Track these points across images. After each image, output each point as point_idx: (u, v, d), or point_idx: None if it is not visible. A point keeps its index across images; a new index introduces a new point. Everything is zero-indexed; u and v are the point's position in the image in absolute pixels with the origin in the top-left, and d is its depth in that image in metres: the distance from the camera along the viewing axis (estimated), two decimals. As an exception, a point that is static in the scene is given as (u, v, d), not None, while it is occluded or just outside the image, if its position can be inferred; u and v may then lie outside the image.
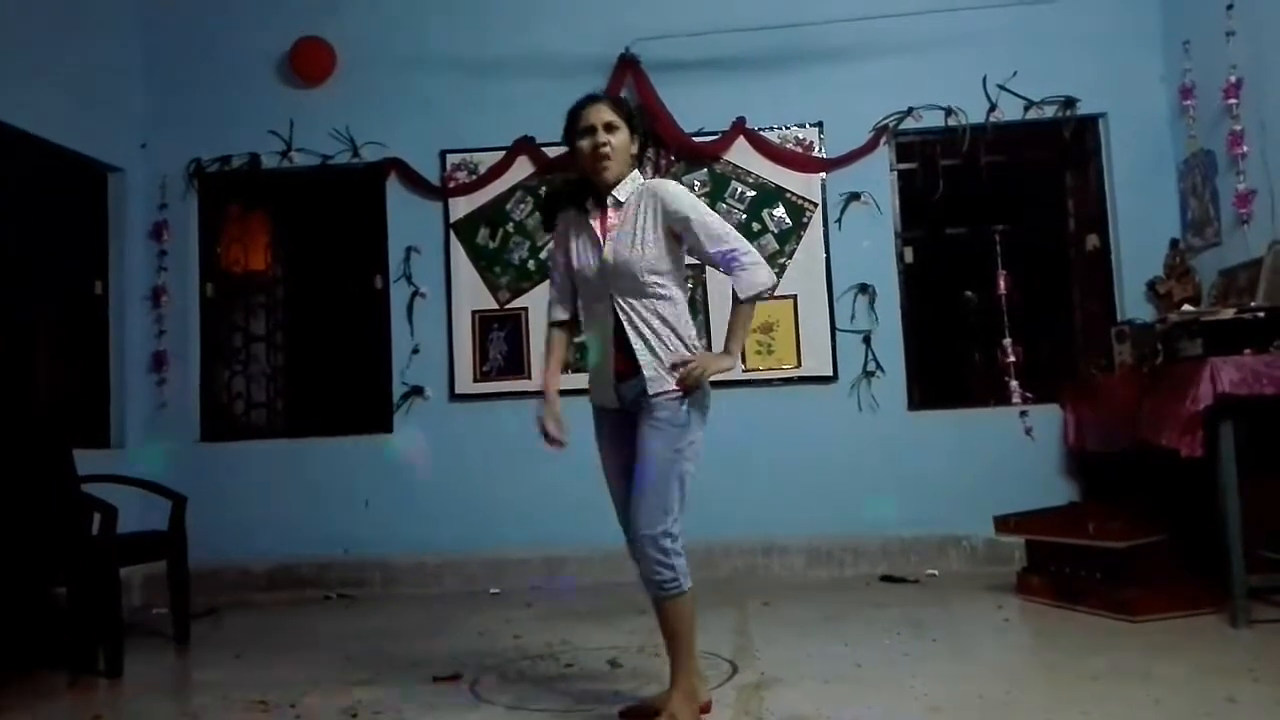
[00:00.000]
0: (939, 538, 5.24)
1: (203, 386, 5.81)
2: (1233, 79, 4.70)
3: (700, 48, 5.54)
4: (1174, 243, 5.23)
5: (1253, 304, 4.13)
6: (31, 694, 3.51)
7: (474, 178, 5.70)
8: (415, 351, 5.64)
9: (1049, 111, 5.47)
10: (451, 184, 5.72)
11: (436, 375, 5.63)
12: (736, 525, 5.31)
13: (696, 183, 5.60)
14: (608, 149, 2.71)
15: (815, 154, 5.58)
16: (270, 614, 5.01)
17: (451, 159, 5.73)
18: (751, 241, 5.31)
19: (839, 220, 5.53)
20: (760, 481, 5.32)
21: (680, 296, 2.77)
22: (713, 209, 5.42)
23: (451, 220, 5.71)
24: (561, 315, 2.98)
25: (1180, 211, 5.32)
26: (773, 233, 5.56)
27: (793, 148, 5.59)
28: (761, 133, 5.59)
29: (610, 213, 2.78)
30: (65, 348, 5.40)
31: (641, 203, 2.74)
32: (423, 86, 5.73)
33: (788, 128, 5.61)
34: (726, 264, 2.70)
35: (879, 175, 5.56)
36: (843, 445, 5.35)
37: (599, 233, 2.78)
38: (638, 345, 2.70)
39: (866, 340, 5.45)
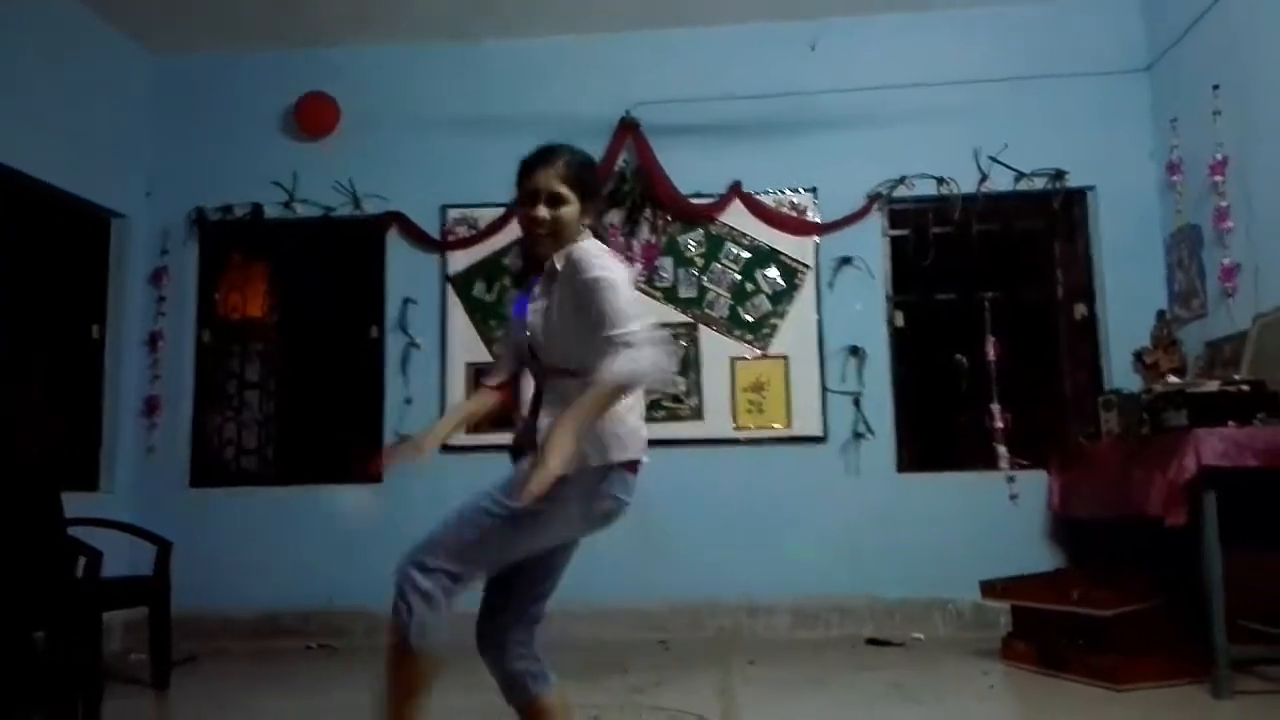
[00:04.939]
0: (926, 601, 5.23)
1: (194, 432, 5.82)
2: (1219, 156, 4.80)
3: (699, 113, 5.66)
4: (1161, 314, 5.29)
5: (1237, 377, 4.18)
6: (6, 737, 3.47)
7: (473, 232, 5.78)
8: (408, 402, 5.66)
9: (1039, 183, 5.57)
10: (451, 238, 5.79)
11: (428, 426, 5.61)
12: (723, 584, 5.30)
13: (692, 242, 5.69)
14: (543, 227, 2.36)
15: (809, 218, 5.67)
16: (252, 662, 4.96)
17: (452, 214, 5.81)
18: (744, 301, 5.60)
19: (831, 283, 5.60)
20: (748, 541, 5.32)
21: None
22: (707, 269, 5.66)
23: (449, 273, 5.78)
24: (493, 380, 2.66)
25: (1167, 283, 5.40)
26: (766, 293, 5.63)
27: (787, 211, 5.68)
28: (757, 196, 5.68)
29: (539, 283, 2.41)
30: (59, 390, 5.42)
31: (563, 269, 2.34)
32: (425, 142, 5.84)
33: (783, 192, 5.70)
34: (615, 347, 2.18)
35: (871, 240, 5.64)
36: (831, 506, 5.36)
37: (526, 303, 2.43)
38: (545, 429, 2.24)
39: (856, 402, 5.48)
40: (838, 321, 5.56)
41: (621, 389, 2.17)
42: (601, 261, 2.28)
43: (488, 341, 5.68)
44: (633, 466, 2.32)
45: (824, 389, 5.52)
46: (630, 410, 2.30)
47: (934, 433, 5.72)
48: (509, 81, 5.87)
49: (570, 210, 2.36)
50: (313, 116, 5.85)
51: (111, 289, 5.74)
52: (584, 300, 2.25)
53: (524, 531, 2.24)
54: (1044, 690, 3.89)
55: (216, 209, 5.90)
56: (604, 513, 2.31)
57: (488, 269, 5.76)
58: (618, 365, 2.14)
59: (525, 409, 2.43)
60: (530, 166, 2.39)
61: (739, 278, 5.65)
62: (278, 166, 5.87)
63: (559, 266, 2.35)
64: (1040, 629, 4.24)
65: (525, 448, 2.34)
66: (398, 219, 5.82)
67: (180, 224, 5.90)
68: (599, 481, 2.26)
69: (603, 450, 2.25)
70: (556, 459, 2.06)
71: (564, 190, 2.35)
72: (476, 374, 5.67)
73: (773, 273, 5.65)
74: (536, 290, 2.39)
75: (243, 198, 5.89)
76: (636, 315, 2.21)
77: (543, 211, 2.35)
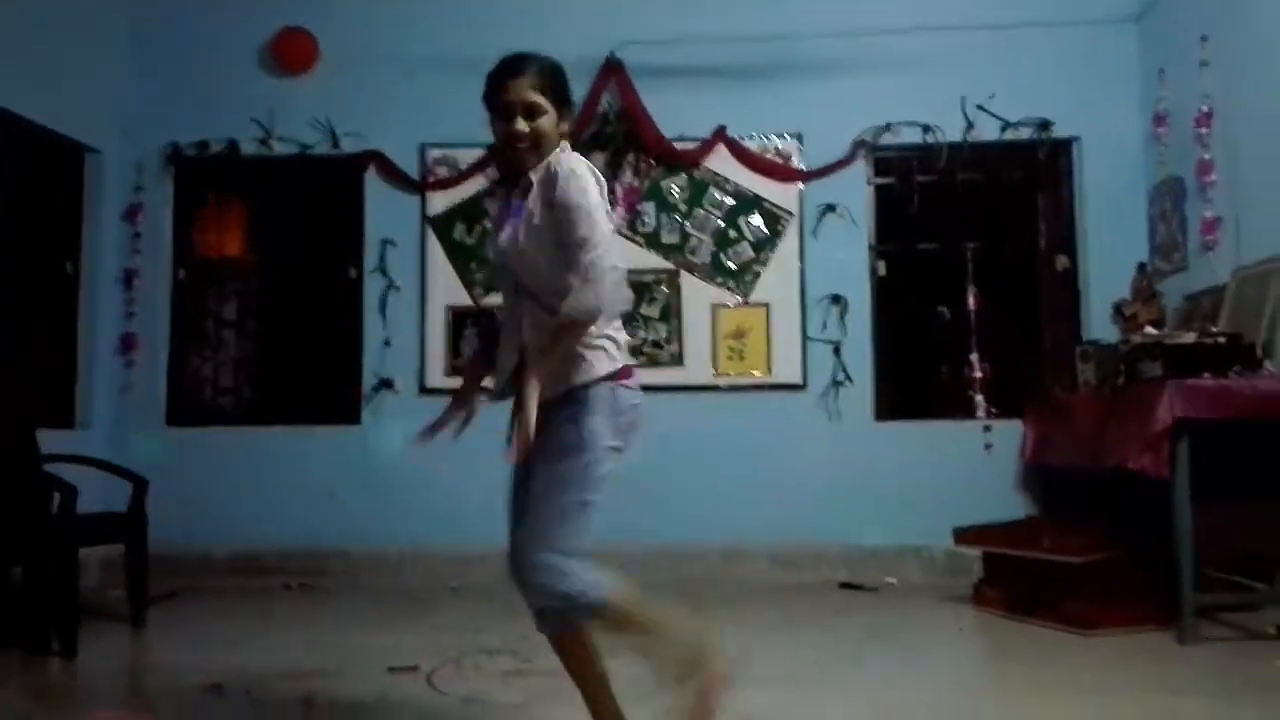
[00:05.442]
0: (900, 546, 5.29)
1: (171, 370, 5.78)
2: (1204, 108, 4.78)
3: (685, 55, 5.57)
4: (1141, 266, 5.30)
5: (1213, 329, 4.21)
6: (-17, 671, 3.48)
7: (454, 173, 5.71)
8: (387, 344, 5.63)
9: (1025, 133, 5.54)
10: (431, 179, 5.72)
11: (407, 368, 5.63)
12: (701, 528, 5.34)
13: (675, 187, 5.64)
14: (523, 141, 2.33)
15: (794, 165, 5.62)
16: (230, 600, 4.98)
17: (432, 154, 5.73)
18: (727, 248, 5.58)
19: (814, 231, 5.58)
20: (726, 486, 5.35)
21: None
22: (690, 214, 5.62)
23: (429, 215, 5.72)
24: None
25: (1148, 236, 5.41)
26: (749, 240, 5.60)
27: (772, 157, 5.64)
28: (742, 141, 5.63)
29: (516, 194, 2.39)
30: (34, 326, 5.35)
31: (540, 181, 2.33)
32: (405, 80, 5.73)
33: (768, 138, 5.65)
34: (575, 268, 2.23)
35: (855, 188, 5.61)
36: (809, 453, 5.39)
37: (497, 216, 2.49)
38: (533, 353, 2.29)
39: (836, 350, 5.50)
40: (820, 269, 5.55)
41: (580, 325, 2.23)
42: (578, 182, 2.26)
43: (468, 285, 5.64)
44: (626, 373, 2.36)
45: (805, 337, 5.52)
46: (604, 325, 2.31)
47: (913, 382, 5.74)
48: (491, 19, 5.73)
49: (548, 120, 2.33)
50: (290, 52, 5.73)
51: (86, 225, 5.65)
52: (556, 220, 2.25)
53: (590, 478, 2.27)
54: (1013, 635, 3.96)
55: (192, 145, 5.80)
56: (629, 424, 2.36)
57: (468, 210, 5.70)
58: (578, 299, 2.19)
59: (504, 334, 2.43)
60: (501, 79, 2.34)
61: (722, 224, 5.62)
62: (254, 102, 5.76)
63: (536, 179, 2.33)
64: (1011, 575, 4.31)
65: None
66: (376, 158, 5.73)
67: (155, 160, 5.80)
68: (609, 400, 2.31)
69: (589, 369, 2.29)
70: (534, 406, 2.19)
71: (539, 100, 2.32)
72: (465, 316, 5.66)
73: (756, 219, 5.62)
74: (514, 206, 2.37)
75: (219, 134, 5.78)
76: (600, 243, 2.22)
77: (521, 125, 2.31)
